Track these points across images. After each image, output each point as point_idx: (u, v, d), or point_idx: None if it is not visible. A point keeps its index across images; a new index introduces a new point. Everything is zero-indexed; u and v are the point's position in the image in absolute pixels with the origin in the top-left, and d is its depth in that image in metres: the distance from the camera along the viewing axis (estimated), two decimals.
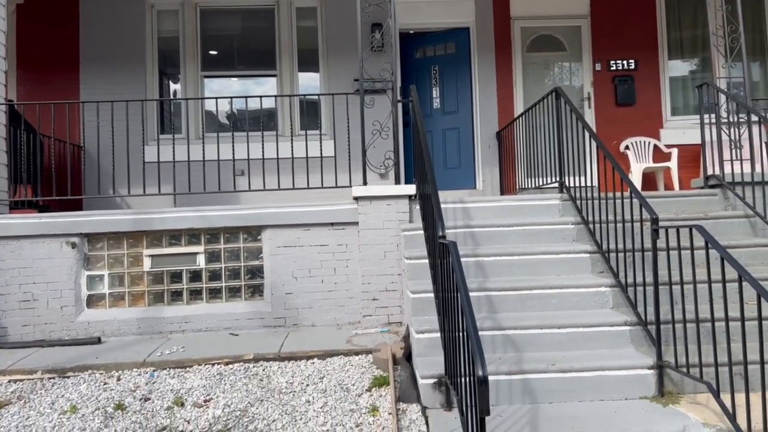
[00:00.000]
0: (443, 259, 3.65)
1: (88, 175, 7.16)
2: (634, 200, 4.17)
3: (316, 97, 8.06)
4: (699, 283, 3.51)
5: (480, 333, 4.08)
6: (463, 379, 3.08)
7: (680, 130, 8.18)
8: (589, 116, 8.28)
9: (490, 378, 3.73)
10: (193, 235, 5.53)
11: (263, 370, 4.53)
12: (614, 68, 8.30)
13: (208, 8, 8.22)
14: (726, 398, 3.23)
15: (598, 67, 8.32)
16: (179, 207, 5.79)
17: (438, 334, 3.91)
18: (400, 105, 6.80)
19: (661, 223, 3.84)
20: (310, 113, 8.27)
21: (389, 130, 5.62)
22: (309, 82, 8.33)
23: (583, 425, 3.36)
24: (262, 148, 5.67)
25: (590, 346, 4.07)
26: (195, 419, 3.81)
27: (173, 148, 5.68)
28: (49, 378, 4.52)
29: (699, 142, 7.79)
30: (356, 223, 5.46)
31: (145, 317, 5.39)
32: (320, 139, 5.90)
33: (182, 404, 4.02)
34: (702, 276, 3.48)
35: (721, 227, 5.07)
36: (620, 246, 4.42)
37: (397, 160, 5.56)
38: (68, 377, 4.52)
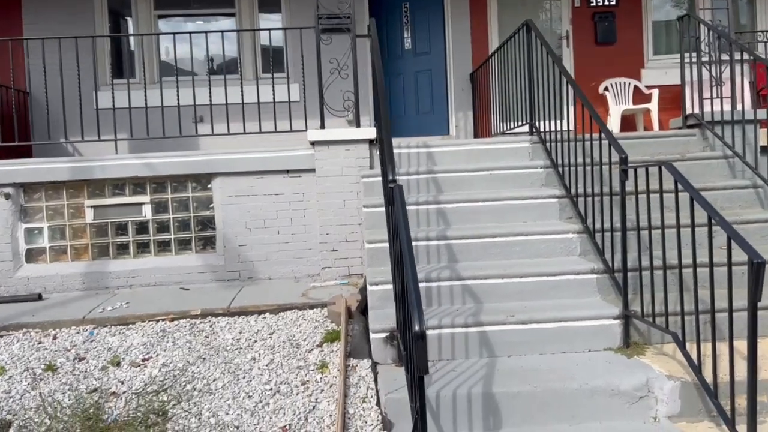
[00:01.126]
0: (393, 206, 3.34)
1: (36, 124, 6.69)
2: (605, 141, 3.85)
3: (280, 40, 7.55)
4: (668, 227, 3.24)
5: (437, 284, 3.86)
6: (407, 334, 2.82)
7: (662, 70, 7.81)
8: (568, 56, 7.87)
9: (446, 331, 3.52)
10: (138, 185, 5.17)
11: (210, 326, 4.26)
12: (594, 4, 7.83)
13: None
14: (692, 349, 3.01)
15: (577, 2, 7.85)
16: (123, 154, 5.37)
17: (392, 286, 3.65)
18: (366, 43, 6.36)
19: (630, 164, 3.55)
20: (275, 60, 7.78)
21: (348, 69, 5.20)
22: (271, 24, 7.79)
23: (541, 378, 3.13)
24: (225, 92, 5.21)
25: (554, 296, 3.83)
26: (130, 379, 3.55)
27: (129, 93, 5.20)
28: None
29: (680, 82, 7.53)
30: (313, 170, 5.11)
31: (89, 272, 5.07)
32: (272, 81, 5.46)
33: (118, 364, 3.75)
34: (671, 221, 3.21)
35: (697, 169, 4.78)
36: (589, 190, 4.14)
37: (357, 101, 5.17)
38: (1, 336, 4.23)
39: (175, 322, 4.33)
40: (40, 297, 4.90)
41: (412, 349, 2.51)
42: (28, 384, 3.53)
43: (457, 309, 3.71)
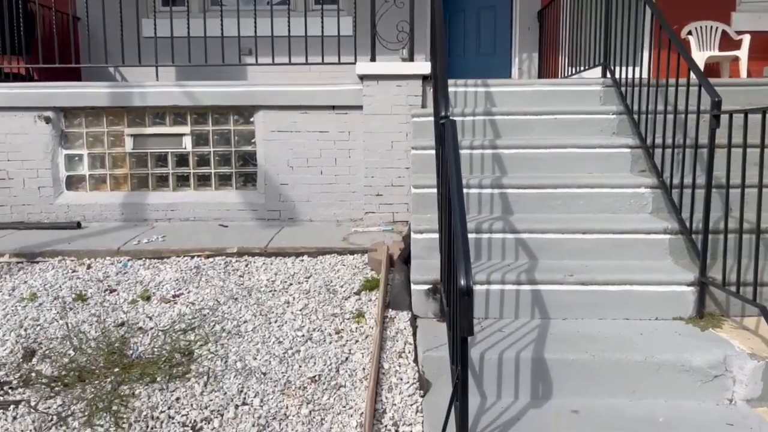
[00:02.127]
0: (444, 145, 2.97)
1: (85, 49, 6.55)
2: (692, 87, 3.33)
3: None
4: (766, 187, 2.77)
5: (488, 236, 3.50)
6: (451, 288, 2.51)
7: (756, 13, 6.98)
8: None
9: (494, 287, 3.18)
10: (178, 115, 4.95)
11: (246, 266, 4.06)
12: None
13: None
14: None
15: None
16: (164, 82, 5.13)
17: (437, 235, 3.33)
18: None
19: (724, 110, 3.05)
20: None
21: None
22: None
23: (599, 347, 2.78)
24: (272, 22, 4.84)
25: (620, 256, 3.43)
26: (158, 315, 3.40)
27: (171, 22, 4.91)
28: (17, 262, 4.16)
29: None
30: (361, 108, 4.75)
31: (128, 203, 4.94)
32: (322, 9, 5.06)
33: (148, 298, 3.61)
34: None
35: None
36: (668, 141, 3.64)
37: (412, 33, 4.72)
38: (37, 262, 4.16)
39: (210, 259, 4.16)
40: (79, 225, 4.82)
41: (456, 306, 2.20)
42: (57, 313, 3.43)
43: (508, 264, 3.37)
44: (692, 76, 3.32)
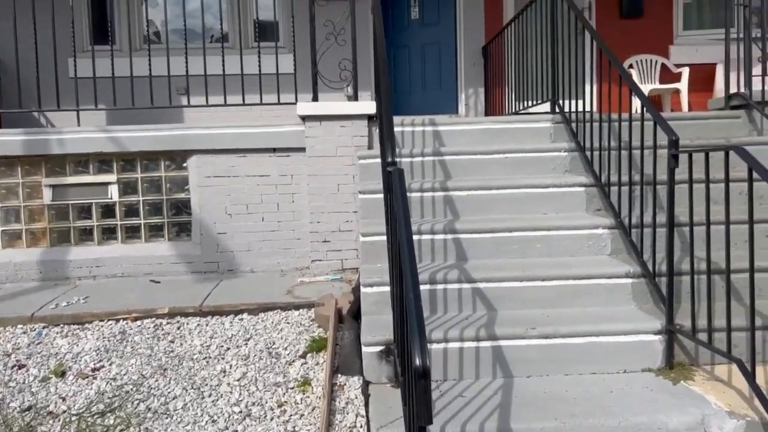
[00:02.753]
0: (392, 193, 2.71)
1: (6, 93, 6.05)
2: (647, 121, 3.21)
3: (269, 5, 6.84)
4: (735, 223, 2.62)
5: (443, 286, 3.22)
6: (406, 358, 2.21)
7: (693, 47, 7.12)
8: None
9: (453, 345, 2.90)
10: (103, 162, 4.54)
11: (178, 328, 3.66)
12: None
13: None
14: (762, 376, 2.41)
15: None
16: (86, 127, 4.70)
17: (389, 288, 3.04)
18: (367, 8, 5.68)
19: (683, 148, 2.91)
20: (263, 28, 7.08)
21: (346, 34, 4.54)
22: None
23: (569, 410, 2.53)
24: (204, 61, 4.55)
25: (582, 303, 3.22)
26: (73, 395, 2.96)
27: (112, 61, 4.51)
28: None
29: (713, 60, 6.85)
30: (303, 149, 4.47)
31: (47, 260, 4.47)
32: (258, 48, 4.81)
33: (63, 374, 3.16)
34: (740, 216, 2.58)
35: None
36: (624, 178, 3.51)
37: (355, 71, 4.51)
38: None
39: (138, 323, 3.74)
40: None
41: (411, 386, 1.90)
42: None
43: (466, 317, 3.11)
44: (645, 111, 3.20)
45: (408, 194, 3.80)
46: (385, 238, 3.33)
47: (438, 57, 7.35)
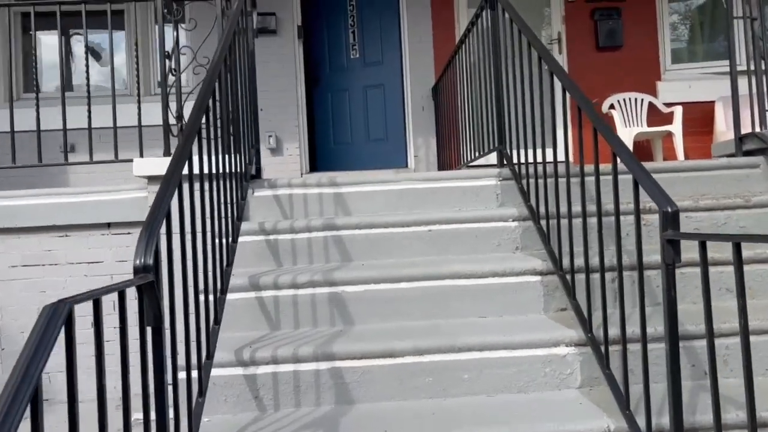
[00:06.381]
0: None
1: None
2: (624, 177, 1.96)
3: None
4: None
5: None
6: None
7: (685, 82, 5.98)
8: (560, 64, 6.03)
9: None
10: None
11: None
12: None
13: None
14: None
15: None
16: None
17: None
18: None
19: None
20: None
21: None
22: None
23: None
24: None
25: None
26: None
27: None
28: None
29: (710, 97, 5.70)
30: None
31: None
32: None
33: None
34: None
35: None
36: (594, 263, 2.22)
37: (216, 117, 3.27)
38: None
39: None
40: None
41: None
42: None
43: None
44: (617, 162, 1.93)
45: (259, 293, 2.51)
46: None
47: (383, 101, 6.19)
